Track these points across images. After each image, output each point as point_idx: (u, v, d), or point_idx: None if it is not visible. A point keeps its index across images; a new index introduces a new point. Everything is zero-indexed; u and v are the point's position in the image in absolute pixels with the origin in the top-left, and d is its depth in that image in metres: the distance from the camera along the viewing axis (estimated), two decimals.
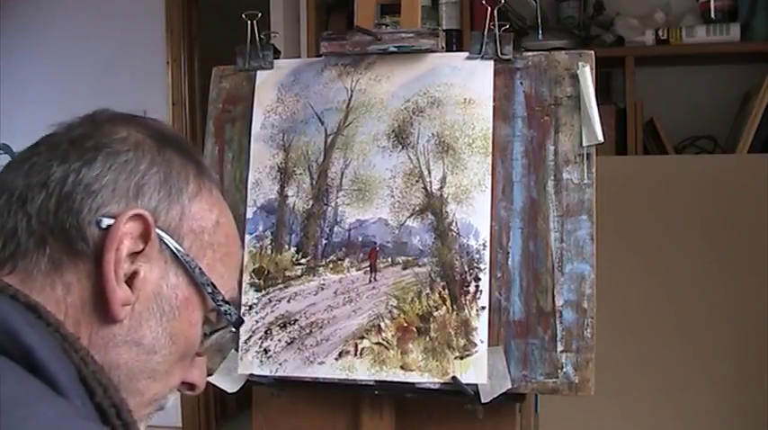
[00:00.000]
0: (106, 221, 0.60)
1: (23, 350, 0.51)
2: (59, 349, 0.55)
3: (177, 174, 0.64)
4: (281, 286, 1.11)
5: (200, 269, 0.65)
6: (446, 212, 1.08)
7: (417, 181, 1.10)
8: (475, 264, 1.06)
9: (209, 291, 0.65)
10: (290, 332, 1.10)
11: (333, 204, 1.12)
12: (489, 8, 1.09)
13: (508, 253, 1.07)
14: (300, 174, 1.14)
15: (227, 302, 0.67)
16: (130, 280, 0.61)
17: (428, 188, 1.09)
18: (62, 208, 0.60)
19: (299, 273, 1.11)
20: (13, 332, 0.52)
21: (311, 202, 1.13)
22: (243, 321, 0.71)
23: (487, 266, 1.06)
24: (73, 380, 0.54)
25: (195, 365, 0.68)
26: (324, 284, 1.10)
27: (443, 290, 1.06)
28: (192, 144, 0.69)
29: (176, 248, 0.63)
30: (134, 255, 0.61)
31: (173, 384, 0.66)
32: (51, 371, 0.52)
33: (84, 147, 0.62)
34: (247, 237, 1.14)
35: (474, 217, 1.07)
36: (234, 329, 0.69)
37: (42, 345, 0.52)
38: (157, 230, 0.62)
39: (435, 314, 1.06)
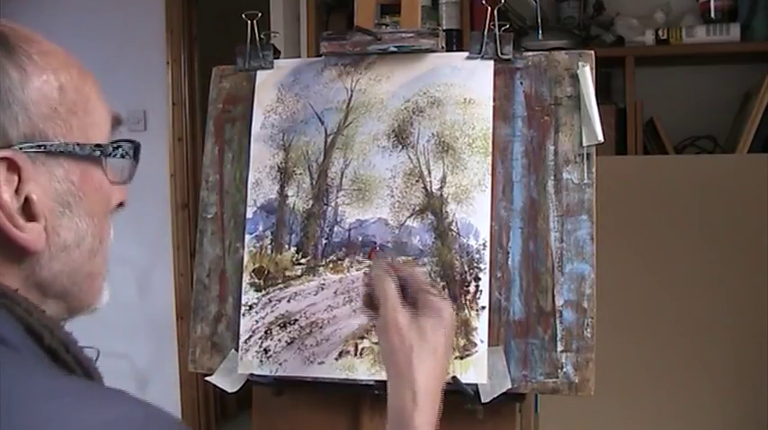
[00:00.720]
0: None
1: None
2: (3, 310, 0.57)
3: None
4: (281, 286, 1.11)
5: (76, 144, 0.62)
6: (446, 212, 1.08)
7: (417, 181, 1.10)
8: (475, 264, 1.06)
9: (94, 150, 0.64)
10: (290, 332, 1.10)
11: (333, 204, 1.12)
12: (489, 8, 1.09)
13: (508, 253, 1.07)
14: (300, 174, 1.14)
15: (114, 144, 0.66)
16: (27, 211, 0.60)
17: (428, 188, 1.09)
18: None
19: (299, 272, 1.11)
20: None
21: (311, 202, 1.13)
22: (137, 143, 0.69)
23: (487, 266, 1.06)
24: (18, 332, 0.57)
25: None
26: (324, 284, 1.10)
27: (443, 290, 1.06)
28: None
29: (44, 146, 0.60)
30: (15, 190, 0.59)
31: (109, 235, 0.68)
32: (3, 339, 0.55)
33: None
34: (247, 236, 1.14)
35: (474, 217, 1.07)
36: (134, 154, 0.68)
37: None
38: (18, 149, 0.59)
39: None
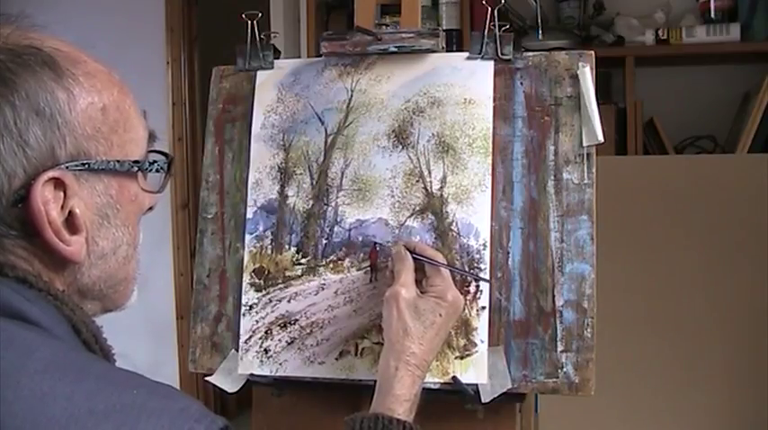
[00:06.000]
0: (18, 200, 0.61)
1: (31, 323, 0.61)
2: (53, 309, 0.64)
3: (37, 94, 0.61)
4: (281, 286, 1.11)
5: (117, 161, 0.66)
6: (446, 212, 1.08)
7: (417, 181, 1.10)
8: (475, 264, 1.06)
9: (132, 167, 0.68)
10: (290, 332, 1.10)
11: (333, 204, 1.12)
12: (489, 8, 1.09)
13: (508, 253, 1.07)
14: (300, 174, 1.14)
15: (150, 160, 0.70)
16: (71, 224, 0.64)
17: (428, 188, 1.09)
18: None
19: (299, 272, 1.11)
20: (19, 311, 0.60)
21: (311, 202, 1.13)
22: (171, 156, 0.74)
23: (488, 266, 1.06)
24: (63, 326, 0.64)
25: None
26: (324, 284, 1.10)
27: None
28: (21, 44, 0.63)
29: (88, 164, 0.64)
30: (60, 206, 0.63)
31: (140, 240, 0.73)
32: (50, 330, 0.62)
33: None
34: (247, 236, 1.14)
35: (474, 217, 1.07)
36: (167, 168, 0.72)
37: (42, 314, 0.62)
38: (65, 168, 0.62)
39: None
